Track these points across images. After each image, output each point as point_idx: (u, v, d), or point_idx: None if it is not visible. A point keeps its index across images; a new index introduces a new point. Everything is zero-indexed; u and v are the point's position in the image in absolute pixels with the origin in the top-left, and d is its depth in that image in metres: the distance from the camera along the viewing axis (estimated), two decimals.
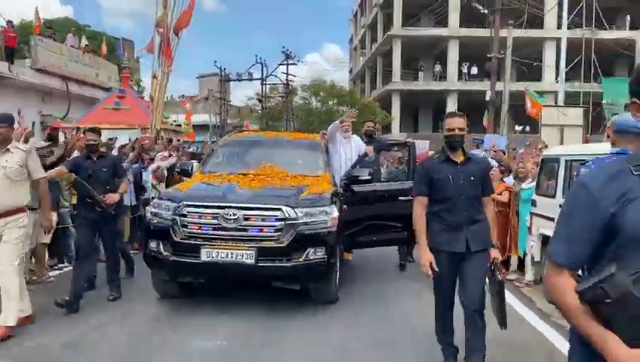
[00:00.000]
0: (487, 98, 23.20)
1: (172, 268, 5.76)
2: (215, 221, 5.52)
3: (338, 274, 6.18)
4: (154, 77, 13.83)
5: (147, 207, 6.31)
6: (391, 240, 7.26)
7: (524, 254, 7.28)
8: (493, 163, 8.17)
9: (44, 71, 17.94)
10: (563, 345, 4.62)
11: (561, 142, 12.45)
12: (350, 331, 5.28)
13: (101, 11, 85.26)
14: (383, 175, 7.45)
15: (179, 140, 14.92)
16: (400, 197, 6.86)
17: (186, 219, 5.59)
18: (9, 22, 18.41)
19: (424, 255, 4.00)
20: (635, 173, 1.60)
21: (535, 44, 36.42)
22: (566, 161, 6.31)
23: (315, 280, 5.82)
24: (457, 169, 4.03)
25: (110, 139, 10.42)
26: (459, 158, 4.07)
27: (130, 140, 10.72)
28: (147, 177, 9.31)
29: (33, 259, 6.91)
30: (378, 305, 6.19)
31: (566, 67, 23.34)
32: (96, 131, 6.33)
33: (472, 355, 3.97)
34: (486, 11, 23.94)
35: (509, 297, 5.98)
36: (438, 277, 4.01)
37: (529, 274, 7.06)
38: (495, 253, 4.02)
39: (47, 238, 6.81)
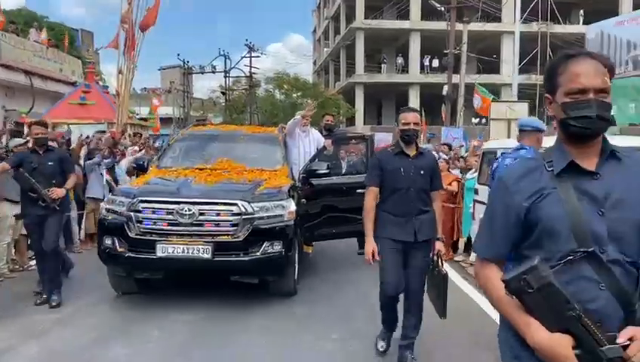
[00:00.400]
0: (444, 93, 23.59)
1: (128, 265, 5.63)
2: (170, 216, 5.42)
3: (297, 267, 6.14)
4: (120, 72, 13.69)
5: (101, 204, 6.09)
6: (350, 232, 7.25)
7: (469, 237, 7.79)
8: (443, 156, 8.61)
9: (7, 66, 17.70)
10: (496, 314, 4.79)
11: (509, 136, 12.94)
12: (307, 317, 5.27)
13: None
14: (343, 168, 7.39)
15: (140, 135, 14.63)
16: (358, 190, 6.84)
17: (140, 214, 5.47)
18: None
19: (368, 244, 4.07)
20: (548, 169, 1.67)
21: (493, 37, 36.99)
22: (502, 153, 6.50)
23: (273, 273, 5.77)
24: (409, 162, 4.13)
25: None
26: (412, 152, 4.16)
27: (89, 136, 10.49)
28: (121, 172, 9.13)
29: (13, 250, 7.22)
30: (336, 292, 6.24)
31: (522, 60, 23.76)
32: (44, 124, 6.09)
33: (408, 330, 4.17)
34: (442, 8, 24.23)
35: (456, 276, 6.95)
36: (385, 264, 4.08)
37: (473, 256, 7.24)
38: (439, 246, 4.16)
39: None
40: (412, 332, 4.17)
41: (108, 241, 5.59)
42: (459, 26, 23.99)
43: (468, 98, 23.99)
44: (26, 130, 9.78)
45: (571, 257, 1.57)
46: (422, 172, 4.13)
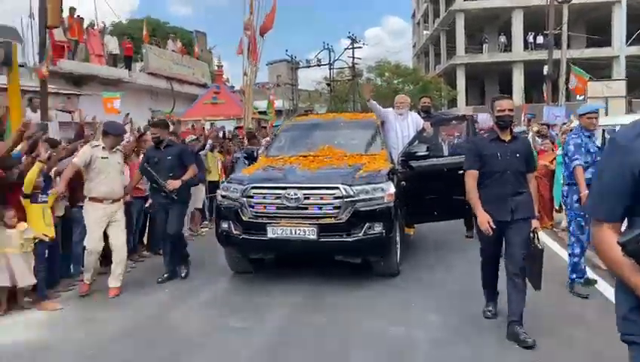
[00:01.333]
0: (545, 72, 22.33)
1: (242, 246, 5.93)
2: (278, 201, 5.63)
3: (399, 248, 6.13)
4: (245, 74, 14.69)
5: (217, 191, 6.43)
6: (452, 213, 7.10)
7: (560, 205, 7.84)
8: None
9: (152, 74, 19.94)
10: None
11: (606, 113, 12.19)
12: (411, 294, 5.28)
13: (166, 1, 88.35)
14: (444, 150, 7.20)
15: (265, 127, 15.51)
16: (460, 171, 6.66)
17: (252, 200, 5.74)
18: (125, 35, 19.69)
19: (481, 216, 4.21)
20: None
21: (603, 7, 34.18)
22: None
23: (375, 253, 5.81)
24: (505, 146, 4.30)
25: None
26: (506, 137, 4.33)
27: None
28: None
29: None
30: (439, 273, 6.18)
31: (635, 31, 21.69)
32: (159, 126, 6.47)
33: (514, 304, 4.19)
34: None
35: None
36: (485, 242, 4.38)
37: (563, 222, 7.54)
38: (535, 223, 4.25)
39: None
40: (517, 306, 4.18)
41: (224, 225, 5.92)
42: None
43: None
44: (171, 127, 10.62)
45: None
46: (517, 155, 4.27)
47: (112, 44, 18.36)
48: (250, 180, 5.95)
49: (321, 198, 5.58)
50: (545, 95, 23.17)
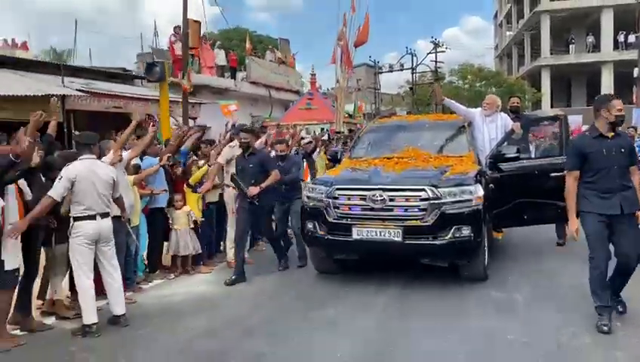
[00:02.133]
0: (635, 75, 20.63)
1: (327, 246, 5.78)
2: (363, 202, 5.43)
3: (487, 252, 5.73)
4: (337, 81, 15.16)
5: (303, 192, 6.32)
6: (543, 218, 6.57)
7: None
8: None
9: (254, 82, 21.20)
10: None
11: None
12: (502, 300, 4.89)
13: (244, 8, 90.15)
14: (533, 151, 6.66)
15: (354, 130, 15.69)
16: (552, 173, 6.17)
17: (337, 201, 5.57)
18: (211, 41, 20.36)
19: (573, 223, 4.27)
20: None
21: None
22: None
23: (462, 257, 5.47)
24: (609, 143, 4.22)
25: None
26: (610, 134, 4.25)
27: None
28: None
29: None
30: (528, 279, 5.72)
31: None
32: (249, 131, 6.52)
33: (617, 285, 4.31)
34: None
35: None
36: (593, 240, 4.18)
37: None
38: None
39: None
40: (618, 289, 4.32)
41: (310, 225, 5.80)
42: None
43: None
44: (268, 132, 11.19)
45: None
46: (622, 150, 4.22)
47: (221, 57, 19.53)
48: (336, 181, 5.79)
49: (407, 200, 5.32)
50: (635, 97, 21.56)
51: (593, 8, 34.24)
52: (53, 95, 6.79)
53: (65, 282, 5.17)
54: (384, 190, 5.36)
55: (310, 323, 4.68)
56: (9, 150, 4.26)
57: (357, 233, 5.39)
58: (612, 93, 5.75)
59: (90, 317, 4.49)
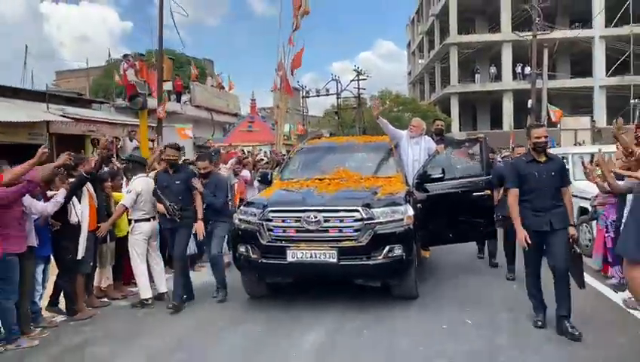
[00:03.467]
0: (529, 105, 23.67)
1: (261, 270, 5.38)
2: (298, 224, 5.10)
3: (415, 271, 5.55)
4: (277, 107, 15.34)
5: (234, 215, 5.87)
6: (468, 235, 6.54)
7: None
8: None
9: (197, 106, 21.89)
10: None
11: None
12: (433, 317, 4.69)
13: (154, 22, 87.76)
14: (456, 172, 6.66)
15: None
16: (474, 193, 6.15)
17: (271, 223, 5.20)
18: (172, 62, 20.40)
19: (520, 232, 4.43)
20: None
21: (584, 41, 33.87)
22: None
23: (395, 277, 5.26)
24: (541, 167, 4.48)
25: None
26: (542, 159, 4.52)
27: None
28: None
29: None
30: (457, 294, 5.62)
31: (613, 64, 21.52)
32: (177, 148, 5.97)
33: (562, 302, 4.38)
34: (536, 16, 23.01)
35: None
36: (528, 252, 4.45)
37: None
38: (572, 231, 4.44)
39: None
40: (565, 302, 4.36)
41: (242, 249, 5.38)
42: (545, 36, 22.85)
43: (555, 103, 23.40)
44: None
45: None
46: (552, 174, 4.45)
47: (168, 83, 19.71)
48: (269, 203, 5.41)
49: (341, 221, 5.05)
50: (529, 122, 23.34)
51: (495, 42, 36.27)
52: (105, 135, 7.43)
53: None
54: (319, 211, 5.06)
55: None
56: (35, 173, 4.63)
57: (292, 255, 5.04)
58: (533, 121, 6.14)
59: (146, 293, 5.68)
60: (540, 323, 4.55)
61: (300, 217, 5.08)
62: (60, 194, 4.91)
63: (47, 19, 79.24)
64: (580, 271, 4.51)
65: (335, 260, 4.93)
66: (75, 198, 5.20)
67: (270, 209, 5.25)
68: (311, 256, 4.99)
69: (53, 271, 5.33)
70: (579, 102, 35.03)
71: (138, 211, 5.70)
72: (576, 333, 4.23)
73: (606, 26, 33.90)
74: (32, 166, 4.44)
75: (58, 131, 11.10)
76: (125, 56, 16.79)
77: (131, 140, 12.07)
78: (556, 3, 32.76)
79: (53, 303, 5.44)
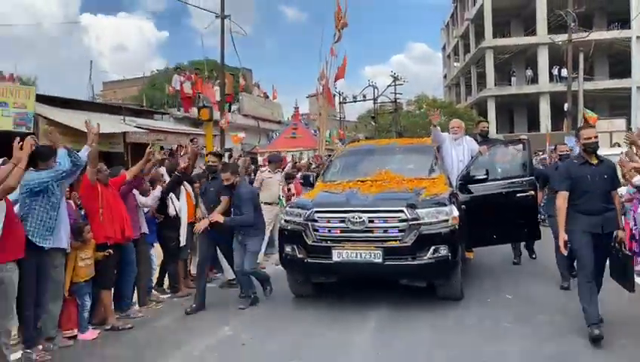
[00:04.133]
0: (565, 109, 22.88)
1: (307, 269, 5.35)
2: (343, 224, 5.06)
3: (460, 272, 5.40)
4: (319, 114, 15.67)
5: (280, 215, 5.88)
6: (511, 236, 6.33)
7: None
8: None
9: (245, 115, 22.72)
10: None
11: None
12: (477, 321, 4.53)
13: (190, 32, 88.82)
14: (499, 173, 6.48)
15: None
16: (518, 194, 5.95)
17: (316, 223, 5.18)
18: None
19: (561, 237, 4.25)
20: None
21: (624, 42, 32.54)
22: None
23: (440, 277, 5.14)
24: (593, 169, 4.27)
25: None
26: (594, 161, 4.31)
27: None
28: None
29: None
30: (501, 297, 5.44)
31: None
32: (217, 155, 6.14)
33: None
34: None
35: None
36: (581, 253, 4.20)
37: None
38: (621, 234, 4.29)
39: None
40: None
41: (288, 249, 5.37)
42: (582, 38, 22.18)
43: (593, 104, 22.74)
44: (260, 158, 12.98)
45: None
46: (605, 176, 4.25)
47: (217, 93, 20.21)
48: (314, 204, 5.38)
49: (386, 221, 4.97)
50: (564, 128, 22.55)
51: (531, 45, 35.31)
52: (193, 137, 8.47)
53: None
54: (363, 212, 5.00)
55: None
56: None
57: (337, 255, 4.99)
58: (582, 122, 5.96)
59: (231, 274, 6.12)
60: (596, 332, 4.02)
61: (345, 218, 5.03)
62: (157, 190, 5.76)
63: (85, 31, 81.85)
64: (631, 273, 4.25)
65: (380, 260, 4.86)
66: (173, 195, 5.98)
67: (315, 209, 5.22)
68: (356, 256, 4.94)
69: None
70: (617, 103, 33.67)
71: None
72: (596, 332, 3.99)
73: None
74: (144, 165, 5.41)
75: (132, 140, 12.03)
76: (177, 68, 17.86)
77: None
78: (593, 4, 31.63)
79: (159, 283, 6.21)
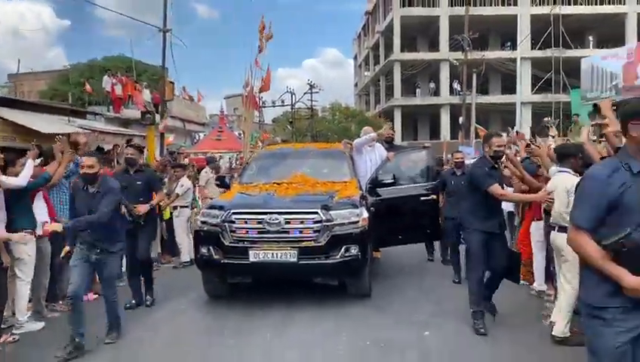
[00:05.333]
0: (460, 122, 25.09)
1: (223, 270, 5.27)
2: (260, 225, 5.05)
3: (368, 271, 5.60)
4: (244, 119, 15.53)
5: (196, 216, 5.73)
6: (415, 237, 6.69)
7: None
8: None
9: (173, 116, 22.12)
10: None
11: None
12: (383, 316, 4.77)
13: (95, 23, 79.05)
14: (404, 178, 6.82)
15: None
16: (422, 198, 6.30)
17: (234, 225, 5.12)
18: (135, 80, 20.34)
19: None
20: (626, 169, 2.09)
21: (514, 62, 35.55)
22: None
23: (351, 275, 5.31)
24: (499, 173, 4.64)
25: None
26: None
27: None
28: None
29: None
30: (406, 293, 5.69)
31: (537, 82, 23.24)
32: (137, 147, 5.77)
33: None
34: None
35: None
36: (476, 254, 4.50)
37: None
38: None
39: None
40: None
41: (204, 250, 5.25)
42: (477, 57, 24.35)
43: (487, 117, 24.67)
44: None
45: None
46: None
47: (146, 94, 19.63)
48: (231, 206, 5.32)
49: (301, 223, 5.04)
50: (460, 138, 24.46)
51: (435, 60, 37.44)
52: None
53: None
54: (280, 213, 5.03)
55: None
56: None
57: (254, 255, 4.98)
58: (496, 130, 6.44)
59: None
60: (482, 330, 4.37)
61: (262, 219, 5.03)
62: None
63: None
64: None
65: (295, 260, 4.92)
66: None
67: (233, 211, 5.16)
68: (272, 256, 4.96)
69: None
70: (508, 118, 36.64)
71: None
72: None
73: (532, 49, 35.74)
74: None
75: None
76: (108, 70, 18.10)
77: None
78: (490, 25, 34.23)
79: None
